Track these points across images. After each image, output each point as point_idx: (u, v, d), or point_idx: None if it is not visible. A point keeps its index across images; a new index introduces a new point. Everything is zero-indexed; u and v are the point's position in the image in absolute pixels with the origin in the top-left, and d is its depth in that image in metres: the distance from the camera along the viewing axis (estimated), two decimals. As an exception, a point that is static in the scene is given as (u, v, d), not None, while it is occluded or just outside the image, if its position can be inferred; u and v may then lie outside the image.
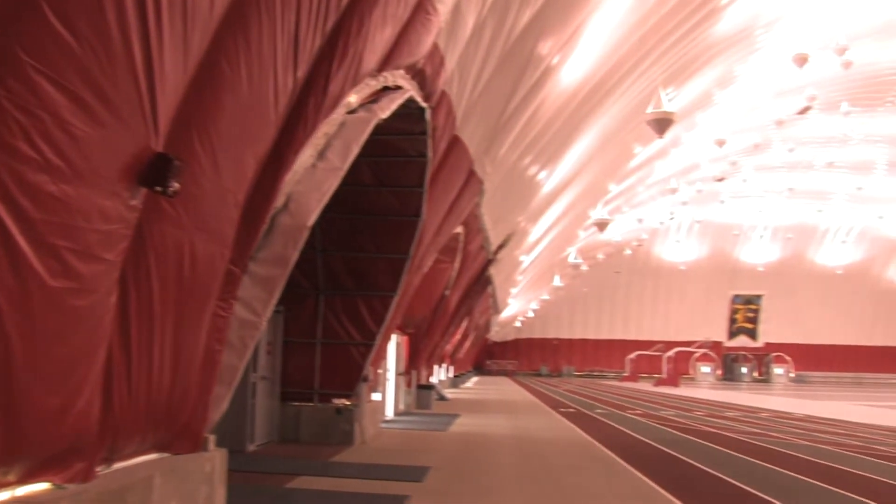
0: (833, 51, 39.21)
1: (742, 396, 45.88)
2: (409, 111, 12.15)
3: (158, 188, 5.34)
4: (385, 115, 10.64)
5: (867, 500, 9.62)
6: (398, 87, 10.66)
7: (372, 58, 8.80)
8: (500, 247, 31.60)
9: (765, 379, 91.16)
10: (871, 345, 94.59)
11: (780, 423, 23.26)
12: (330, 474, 11.49)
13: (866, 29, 46.02)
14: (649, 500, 9.76)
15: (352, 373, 15.83)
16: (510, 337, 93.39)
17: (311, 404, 15.80)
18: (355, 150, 10.25)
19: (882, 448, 16.22)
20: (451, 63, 12.40)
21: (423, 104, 12.23)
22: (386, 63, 9.46)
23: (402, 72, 10.32)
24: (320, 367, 15.99)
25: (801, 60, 36.45)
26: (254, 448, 14.11)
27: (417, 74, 11.03)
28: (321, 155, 9.93)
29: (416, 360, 26.79)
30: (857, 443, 17.24)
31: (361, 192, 15.19)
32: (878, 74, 54.86)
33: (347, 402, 15.64)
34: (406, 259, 15.47)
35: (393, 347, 22.06)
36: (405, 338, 24.89)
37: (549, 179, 30.41)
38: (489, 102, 16.58)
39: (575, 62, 20.98)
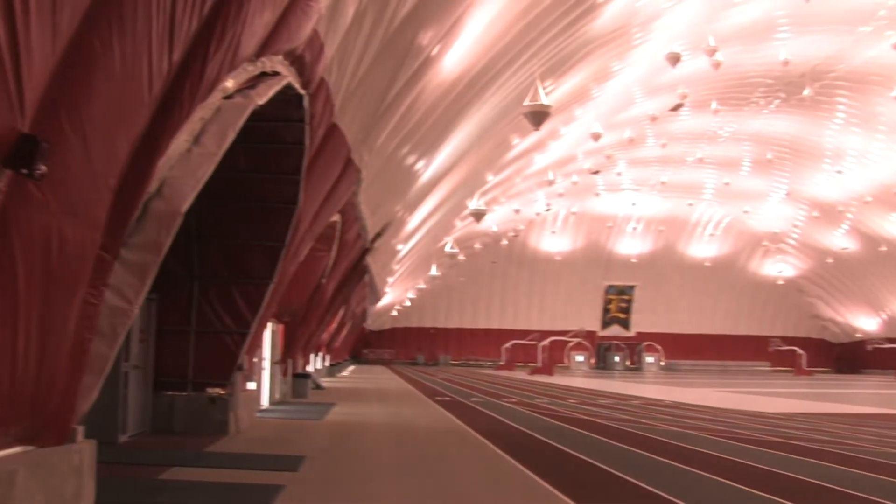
0: (704, 51, 40.37)
1: (614, 384, 46.93)
2: (287, 98, 12.02)
3: (24, 170, 5.15)
4: (262, 101, 10.49)
5: (730, 482, 9.95)
6: (276, 74, 10.52)
7: (250, 42, 8.67)
8: (378, 235, 31.57)
9: (636, 367, 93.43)
10: (736, 334, 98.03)
11: (650, 409, 23.87)
12: (204, 465, 11.31)
13: (735, 33, 47.60)
14: (523, 486, 9.90)
15: (226, 362, 15.60)
16: (387, 326, 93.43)
17: (184, 394, 15.51)
18: (231, 136, 10.08)
19: (744, 432, 16.80)
20: (330, 50, 12.30)
21: (302, 91, 12.11)
22: (264, 48, 9.33)
23: (280, 58, 10.20)
24: (194, 355, 15.70)
25: (674, 59, 37.41)
26: (126, 439, 13.78)
27: (296, 61, 10.91)
28: (196, 140, 9.73)
29: (292, 349, 26.57)
30: (722, 427, 17.81)
31: (238, 178, 14.93)
32: (744, 76, 56.80)
33: (222, 392, 15.41)
34: (282, 247, 15.29)
35: (268, 336, 21.83)
36: (281, 326, 24.66)
37: (427, 169, 30.49)
38: (368, 91, 16.52)
39: (455, 53, 21.07)
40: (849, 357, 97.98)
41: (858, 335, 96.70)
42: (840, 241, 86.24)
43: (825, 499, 9.01)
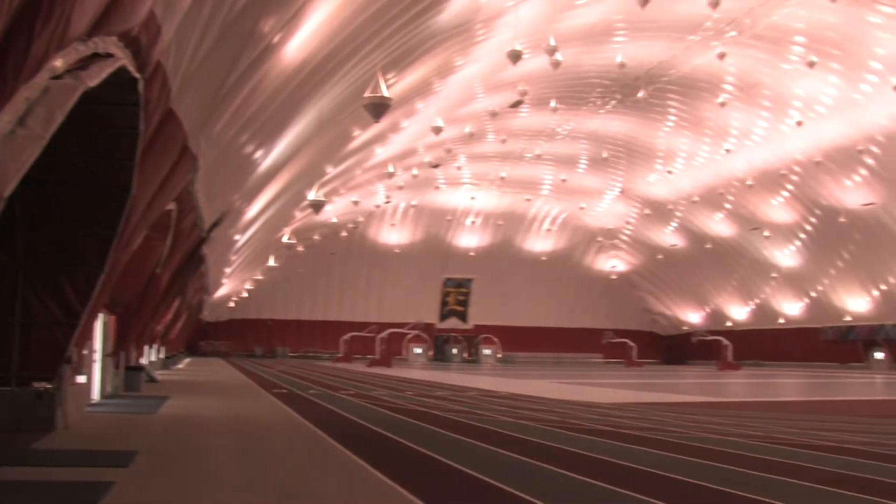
0: (544, 50, 41.12)
1: (452, 376, 47.40)
2: (121, 81, 11.57)
3: None
4: (94, 83, 10.06)
5: (561, 470, 10.16)
6: (110, 55, 10.12)
7: (81, 21, 8.30)
8: (215, 225, 30.91)
9: (474, 359, 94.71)
10: (571, 327, 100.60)
11: (486, 401, 24.19)
12: (29, 462, 10.82)
13: (575, 34, 48.75)
14: (360, 478, 9.86)
15: (54, 354, 14.96)
16: (224, 317, 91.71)
17: (8, 388, 14.80)
18: (60, 118, 9.62)
19: (576, 421, 17.22)
20: (168, 33, 11.92)
21: (137, 75, 11.69)
22: (97, 28, 8.95)
23: (114, 39, 9.81)
24: (19, 348, 15.00)
25: (515, 57, 37.96)
26: (-59, 436, 13.08)
27: (131, 43, 10.52)
28: (21, 121, 9.25)
29: (124, 341, 25.74)
30: (555, 417, 18.20)
31: (68, 162, 14.30)
32: (583, 76, 58.27)
33: (49, 386, 14.78)
34: (114, 235, 14.74)
35: (100, 327, 21.11)
36: (113, 317, 23.87)
37: (266, 158, 30.03)
38: (207, 77, 16.13)
39: (297, 42, 20.81)
40: (676, 349, 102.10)
41: (685, 328, 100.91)
42: (669, 238, 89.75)
43: (649, 483, 9.31)
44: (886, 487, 9.26)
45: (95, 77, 9.96)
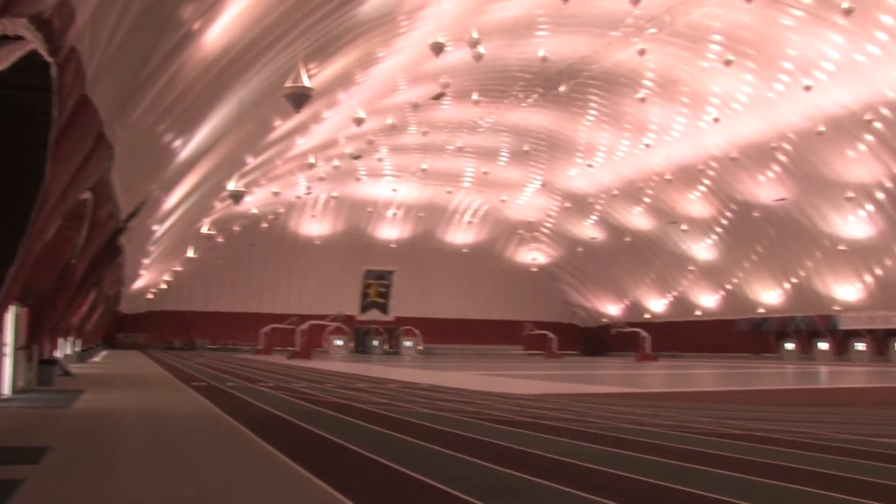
0: (467, 43, 41.20)
1: (372, 368, 47.32)
2: (32, 65, 11.25)
3: None
4: (2, 66, 9.78)
5: (480, 461, 10.20)
6: (20, 38, 9.84)
7: (-11, 2, 8.05)
8: (132, 215, 30.37)
9: (395, 351, 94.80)
10: (492, 319, 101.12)
11: (407, 392, 24.19)
12: (-68, 457, 10.51)
13: (498, 27, 48.96)
14: (277, 470, 9.78)
15: (-39, 347, 14.57)
16: (142, 309, 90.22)
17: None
18: (-34, 103, 9.36)
19: (495, 413, 17.30)
20: (82, 17, 11.62)
21: (49, 59, 11.39)
22: (5, 9, 8.69)
23: (24, 21, 9.52)
24: (-76, 340, 14.59)
25: (438, 49, 37.96)
26: None
27: (43, 26, 10.23)
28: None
29: (37, 334, 25.16)
30: (474, 409, 18.27)
31: (-24, 149, 13.90)
32: (505, 69, 58.57)
33: (-45, 379, 14.39)
34: (26, 224, 14.37)
35: (11, 320, 20.60)
36: (25, 309, 23.30)
37: (185, 148, 29.59)
38: (124, 63, 15.80)
39: (217, 29, 20.52)
40: (595, 340, 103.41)
41: (604, 320, 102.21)
42: (589, 231, 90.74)
43: (566, 472, 9.40)
44: (792, 472, 9.49)
45: (4, 60, 9.69)
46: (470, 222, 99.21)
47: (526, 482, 8.94)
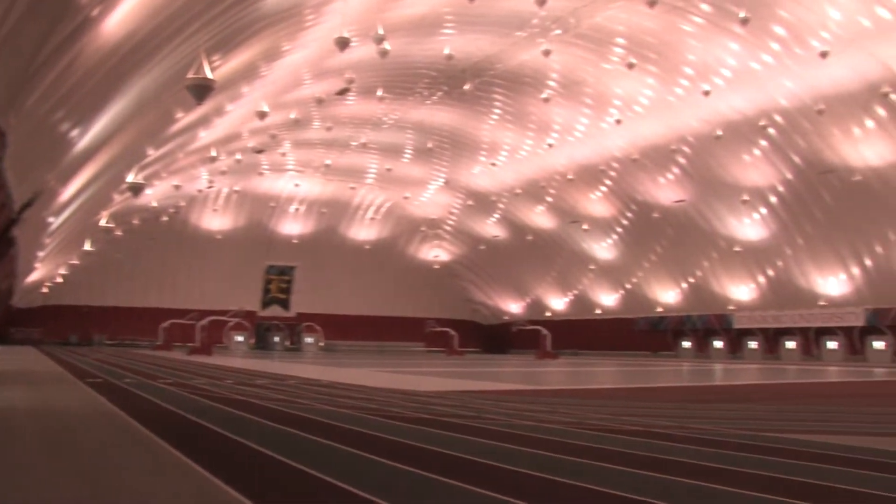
0: (372, 39, 41.07)
1: (273, 365, 46.85)
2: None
3: None
4: None
5: (380, 459, 10.18)
6: None
7: None
8: (26, 206, 29.52)
9: (296, 348, 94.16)
10: (394, 315, 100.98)
11: (307, 389, 24.02)
12: None
13: (404, 24, 48.96)
14: (175, 469, 9.60)
15: None
16: (37, 303, 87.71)
17: None
18: None
19: (395, 410, 17.29)
20: (-27, 1, 11.27)
21: (-61, 43, 11.01)
22: None
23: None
24: None
25: (343, 44, 37.74)
26: None
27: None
28: None
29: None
30: (375, 406, 18.23)
31: None
32: (410, 67, 58.61)
33: None
34: (-88, 214, 13.88)
35: None
36: None
37: (83, 137, 28.87)
38: (16, 48, 15.35)
39: (117, 16, 20.07)
40: (497, 338, 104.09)
41: (506, 317, 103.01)
42: (492, 229, 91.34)
43: (465, 469, 9.43)
44: (688, 468, 9.69)
45: None
46: (373, 219, 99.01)
47: (425, 479, 8.96)
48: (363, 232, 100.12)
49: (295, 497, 8.20)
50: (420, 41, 53.67)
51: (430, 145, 71.60)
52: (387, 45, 41.37)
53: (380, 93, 56.80)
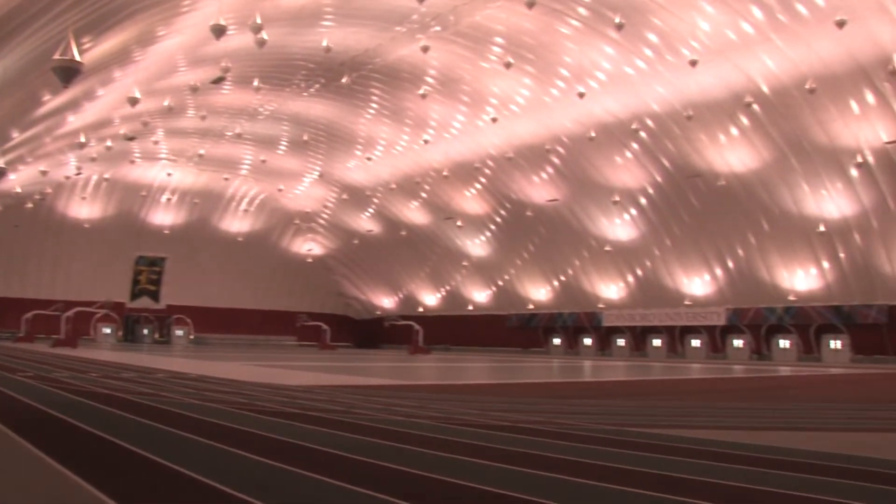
0: (250, 28, 40.50)
1: (141, 357, 45.88)
2: None
3: None
4: None
5: (247, 454, 10.07)
6: None
7: None
8: None
9: (165, 340, 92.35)
10: (266, 309, 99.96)
11: (175, 383, 23.59)
12: None
13: (283, 14, 48.47)
14: (33, 468, 9.30)
15: None
16: None
17: None
18: None
19: (264, 404, 17.14)
20: None
21: None
22: None
23: None
24: None
25: (219, 32, 37.09)
26: None
27: None
28: None
29: None
30: (244, 400, 18.04)
31: None
32: (288, 57, 58.05)
33: None
34: None
35: None
36: None
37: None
38: None
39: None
40: (369, 333, 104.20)
41: (378, 312, 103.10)
42: (366, 223, 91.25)
43: (333, 465, 9.42)
44: (552, 462, 9.89)
45: None
46: (246, 210, 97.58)
47: (290, 474, 8.91)
48: (236, 224, 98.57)
49: (159, 495, 8.05)
50: (299, 32, 53.19)
51: (305, 138, 70.92)
52: (264, 35, 40.81)
53: (256, 83, 56.01)
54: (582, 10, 50.74)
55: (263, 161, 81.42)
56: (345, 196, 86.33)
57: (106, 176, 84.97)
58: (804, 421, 17.07)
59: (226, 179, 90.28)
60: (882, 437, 14.46)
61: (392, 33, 54.21)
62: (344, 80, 55.34)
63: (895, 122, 50.10)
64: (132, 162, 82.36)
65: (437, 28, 52.84)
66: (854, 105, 50.78)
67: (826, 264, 59.95)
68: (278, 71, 60.70)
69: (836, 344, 63.24)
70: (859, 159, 51.91)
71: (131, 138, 67.66)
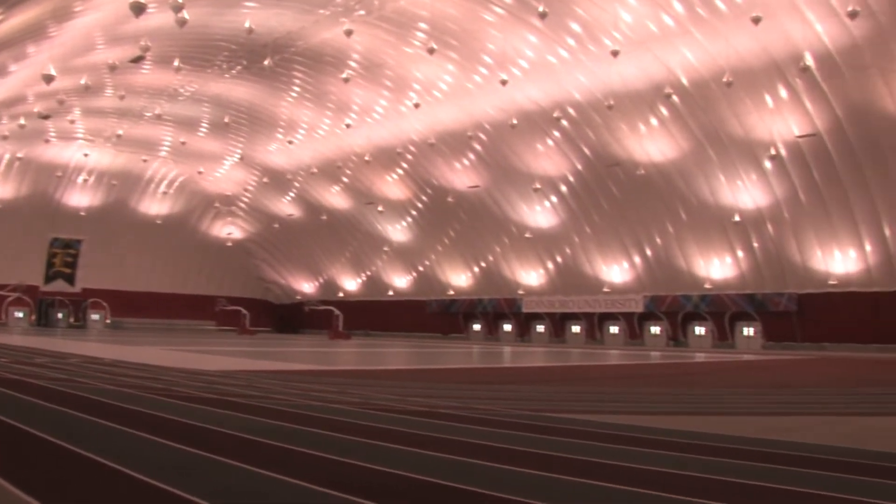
0: (170, 6, 39.77)
1: (55, 342, 44.96)
2: None
3: None
4: None
5: (161, 439, 9.96)
6: None
7: None
8: None
9: (81, 325, 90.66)
10: (184, 293, 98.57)
11: (90, 368, 23.19)
12: None
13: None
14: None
15: None
16: None
17: None
18: None
19: (180, 389, 16.97)
20: None
21: None
22: None
23: None
24: None
25: (139, 9, 36.35)
26: None
27: None
28: None
29: None
30: (160, 385, 17.82)
31: None
32: (210, 38, 57.25)
33: None
34: None
35: None
36: None
37: None
38: None
39: None
40: (289, 317, 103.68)
41: (298, 297, 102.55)
42: (287, 207, 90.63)
43: (249, 450, 9.36)
44: (469, 447, 9.96)
45: None
46: (165, 193, 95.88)
47: (208, 460, 8.84)
48: (155, 206, 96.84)
49: (65, 482, 7.90)
50: (221, 12, 52.49)
51: (226, 120, 69.99)
52: (185, 14, 40.13)
53: (177, 63, 55.08)
54: (506, -2, 51.01)
55: (183, 143, 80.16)
56: (266, 179, 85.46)
57: (19, 155, 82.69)
58: (718, 406, 17.47)
59: (144, 161, 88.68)
60: (793, 420, 14.85)
61: (316, 16, 53.80)
62: (266, 62, 54.69)
63: (807, 116, 51.42)
64: (47, 141, 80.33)
65: (362, 12, 52.59)
66: (769, 99, 52.02)
67: (741, 253, 61.30)
68: (200, 51, 59.83)
69: (748, 331, 64.71)
70: (773, 152, 53.26)
71: (46, 117, 65.99)
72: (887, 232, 53.55)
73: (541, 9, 42.03)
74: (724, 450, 10.43)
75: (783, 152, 53.87)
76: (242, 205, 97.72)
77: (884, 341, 55.06)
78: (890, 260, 54.47)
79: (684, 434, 11.77)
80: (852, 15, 40.84)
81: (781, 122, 52.51)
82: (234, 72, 63.88)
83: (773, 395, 20.84)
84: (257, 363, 29.13)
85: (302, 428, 11.49)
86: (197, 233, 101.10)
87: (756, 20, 40.90)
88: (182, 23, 40.32)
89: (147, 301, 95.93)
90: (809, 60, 47.76)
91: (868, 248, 55.08)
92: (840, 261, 56.82)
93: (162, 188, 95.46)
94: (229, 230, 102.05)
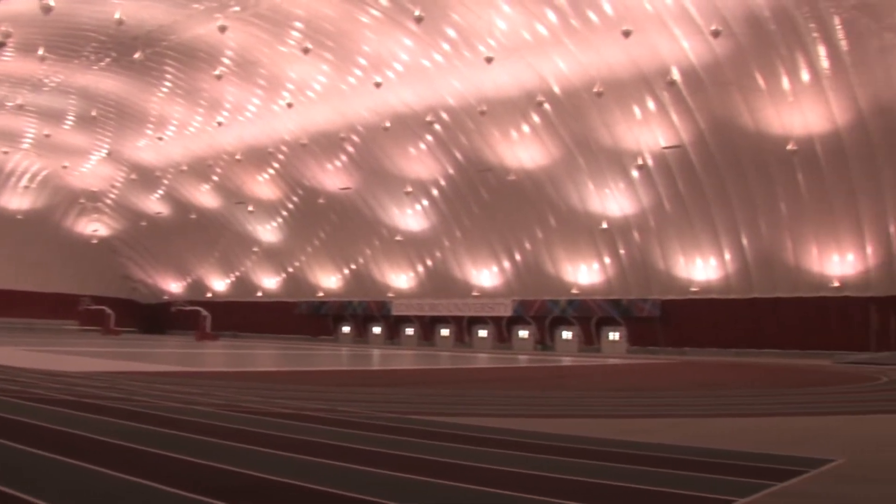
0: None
1: None
2: None
3: None
4: None
5: (16, 444, 9.68)
6: None
7: None
8: None
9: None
10: (46, 291, 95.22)
11: (-60, 367, 22.34)
12: None
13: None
14: None
15: None
16: None
17: None
18: None
19: (38, 391, 16.51)
20: None
21: None
22: None
23: None
24: None
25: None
26: None
27: None
28: None
29: None
30: (16, 387, 17.31)
31: None
32: (78, 27, 55.63)
33: None
34: None
35: None
36: None
37: None
38: None
39: None
40: (156, 318, 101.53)
41: (166, 297, 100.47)
42: (155, 205, 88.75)
43: (107, 454, 9.19)
44: (330, 449, 9.99)
45: None
46: (27, 187, 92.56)
47: (61, 464, 8.64)
48: (15, 201, 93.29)
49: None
50: (89, 1, 51.07)
51: (94, 113, 68.06)
52: (51, 1, 38.94)
53: (41, 52, 53.30)
54: (383, 1, 51.07)
55: (47, 135, 77.52)
56: (134, 176, 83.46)
57: None
58: (581, 408, 17.92)
59: (5, 153, 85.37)
60: (653, 422, 15.33)
61: (189, 10, 52.89)
62: (137, 55, 53.41)
63: (672, 129, 53.15)
64: None
65: (237, 8, 51.94)
66: (637, 110, 53.55)
67: (607, 260, 62.82)
68: (66, 41, 58.05)
69: (614, 335, 66.34)
70: (640, 162, 54.84)
71: None
72: (745, 242, 55.74)
73: (417, 13, 42.30)
74: (584, 451, 10.72)
75: (650, 162, 55.51)
76: (109, 201, 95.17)
77: (741, 346, 57.31)
78: (748, 268, 56.67)
79: (545, 436, 12.03)
80: (715, 33, 42.48)
81: (649, 133, 54.10)
82: (102, 64, 62.24)
83: (634, 397, 21.43)
84: (120, 364, 28.49)
85: (161, 430, 11.33)
86: (60, 229, 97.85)
87: (626, 33, 42.06)
88: (47, 9, 39.08)
89: (5, 299, 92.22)
90: (676, 75, 49.39)
91: (727, 256, 57.21)
92: (701, 269, 58.85)
93: (24, 182, 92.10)
94: (95, 227, 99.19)
